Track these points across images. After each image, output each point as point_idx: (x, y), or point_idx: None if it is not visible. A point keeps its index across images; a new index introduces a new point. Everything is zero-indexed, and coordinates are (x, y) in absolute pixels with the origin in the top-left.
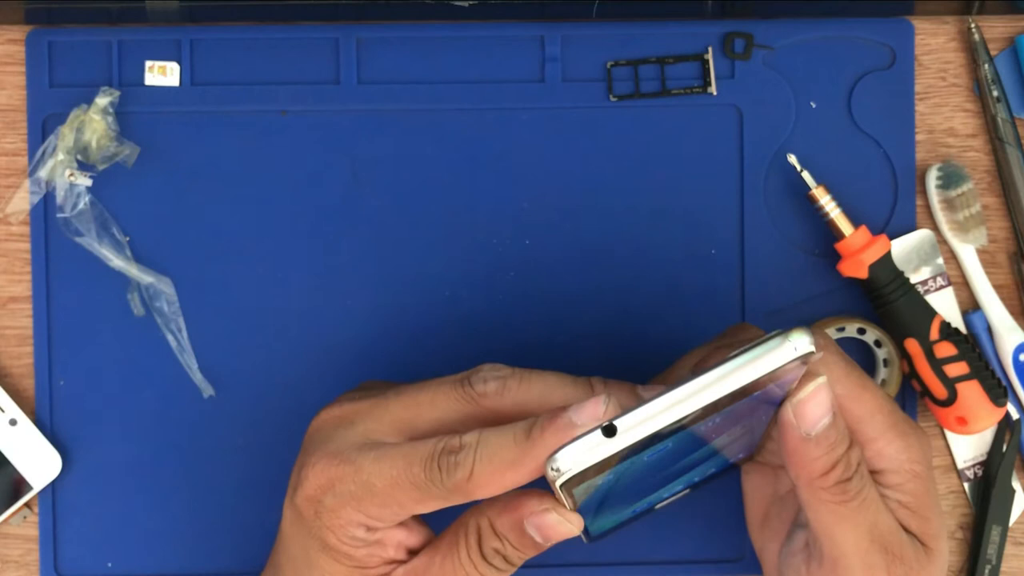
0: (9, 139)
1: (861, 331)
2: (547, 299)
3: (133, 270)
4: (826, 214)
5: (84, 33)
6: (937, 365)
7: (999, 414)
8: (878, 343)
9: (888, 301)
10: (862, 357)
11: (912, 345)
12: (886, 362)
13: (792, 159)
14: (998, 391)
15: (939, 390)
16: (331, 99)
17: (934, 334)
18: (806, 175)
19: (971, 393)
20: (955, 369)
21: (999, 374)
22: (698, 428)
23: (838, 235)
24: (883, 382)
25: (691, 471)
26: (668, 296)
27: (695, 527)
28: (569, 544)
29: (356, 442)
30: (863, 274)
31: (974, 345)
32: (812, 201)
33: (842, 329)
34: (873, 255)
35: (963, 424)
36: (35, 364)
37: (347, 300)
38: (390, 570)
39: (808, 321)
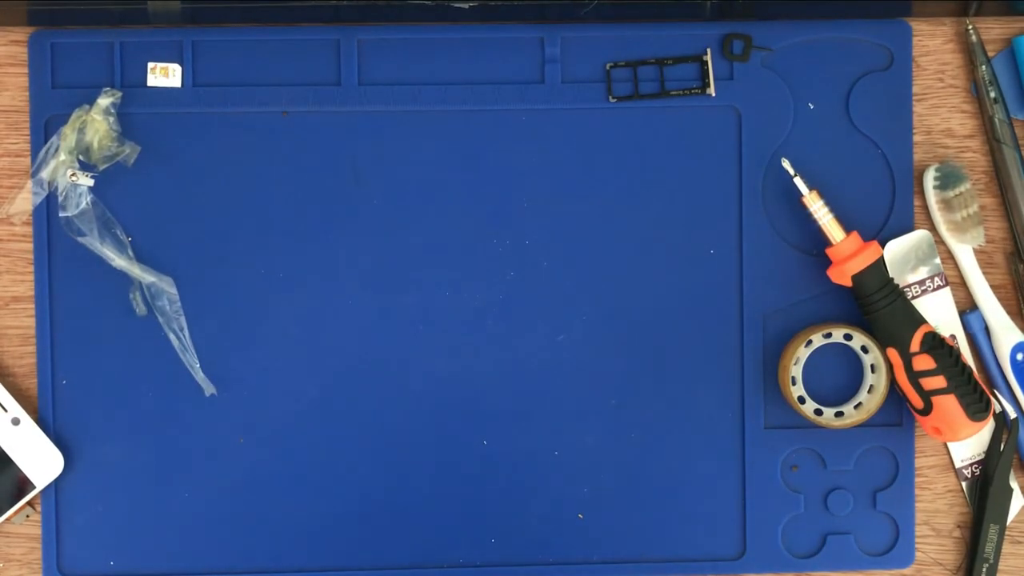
0: (12, 140)
1: (848, 337)
2: (547, 299)
3: (135, 270)
4: (817, 220)
5: (86, 34)
6: (914, 377)
7: (976, 428)
8: (864, 349)
9: (873, 310)
10: (849, 363)
11: (893, 355)
12: (873, 368)
13: (786, 164)
14: (978, 406)
15: (916, 401)
16: (332, 100)
17: (914, 346)
18: (799, 181)
19: (947, 407)
20: (932, 383)
21: (996, 375)
22: None
23: (829, 241)
24: (871, 388)
25: None
26: (667, 295)
27: (695, 525)
28: (569, 542)
29: None
30: (847, 283)
31: (957, 359)
32: (804, 207)
33: (829, 335)
34: (860, 264)
35: (939, 434)
36: (38, 363)
37: (348, 299)
38: None
39: (801, 323)
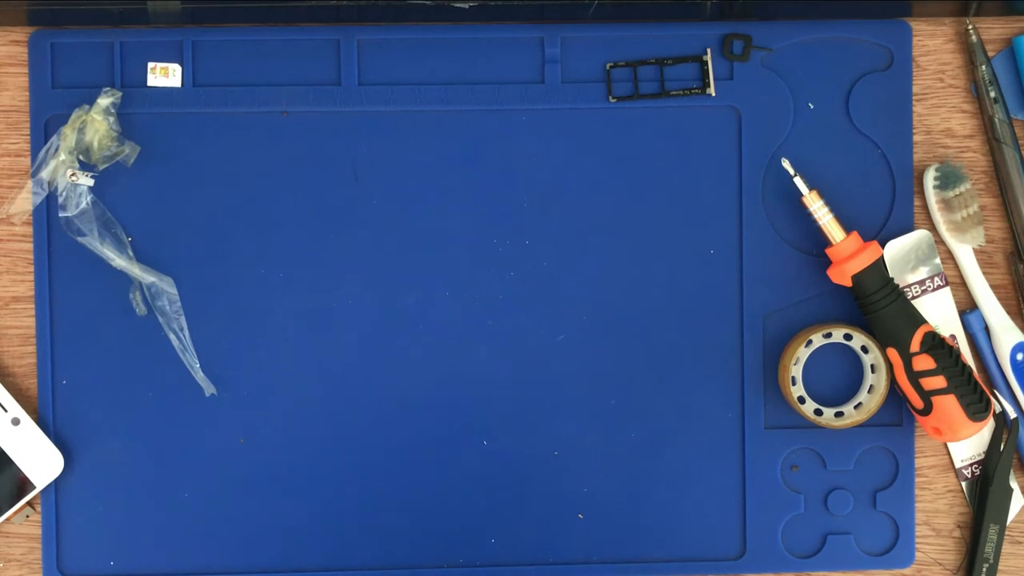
0: (12, 140)
1: (848, 337)
2: (547, 299)
3: (135, 270)
4: (817, 220)
5: (87, 35)
6: (914, 377)
7: (976, 428)
8: (864, 349)
9: (873, 310)
10: (849, 363)
11: (893, 355)
12: (873, 368)
13: (786, 164)
14: (978, 406)
15: (916, 401)
16: (332, 100)
17: (915, 346)
18: (798, 180)
19: (947, 407)
20: (932, 383)
21: (996, 375)
22: None
23: (829, 241)
24: (871, 388)
25: None
26: (667, 295)
27: (695, 525)
28: (569, 542)
29: None
30: (847, 283)
31: (957, 359)
32: (804, 207)
33: (829, 335)
34: (860, 264)
35: (939, 434)
36: (38, 363)
37: (348, 299)
38: None
39: (801, 323)
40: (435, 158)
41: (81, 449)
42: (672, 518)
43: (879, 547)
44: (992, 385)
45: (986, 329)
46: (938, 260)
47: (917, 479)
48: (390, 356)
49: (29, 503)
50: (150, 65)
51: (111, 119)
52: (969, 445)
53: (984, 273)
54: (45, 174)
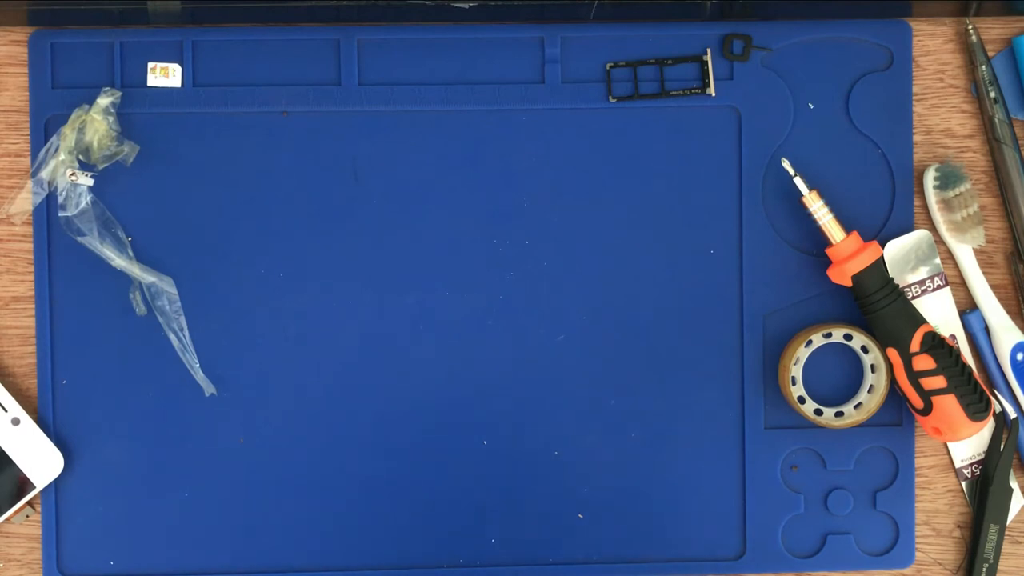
0: (12, 140)
1: (848, 337)
2: (547, 299)
3: (135, 269)
4: (817, 220)
5: (87, 35)
6: (914, 377)
7: (976, 428)
8: (864, 349)
9: (873, 310)
10: (849, 363)
11: (893, 355)
12: (873, 368)
13: (786, 164)
14: (978, 406)
15: (916, 401)
16: (332, 100)
17: (915, 346)
18: (798, 181)
19: (947, 407)
20: (932, 383)
21: (996, 375)
22: None
23: (829, 241)
24: (871, 388)
25: None
26: (667, 295)
27: (695, 525)
28: (569, 542)
29: None
30: (847, 283)
31: (957, 359)
32: (804, 207)
33: (829, 335)
34: (860, 264)
35: (939, 434)
36: (37, 363)
37: (348, 299)
38: None
39: (801, 323)
40: (435, 158)
41: (81, 449)
42: (672, 518)
43: (879, 547)
44: (992, 385)
45: (986, 329)
46: (938, 260)
47: (917, 479)
48: (390, 356)
49: (29, 503)
50: (150, 65)
51: (111, 119)
52: (969, 445)
53: (984, 273)
54: (45, 174)
